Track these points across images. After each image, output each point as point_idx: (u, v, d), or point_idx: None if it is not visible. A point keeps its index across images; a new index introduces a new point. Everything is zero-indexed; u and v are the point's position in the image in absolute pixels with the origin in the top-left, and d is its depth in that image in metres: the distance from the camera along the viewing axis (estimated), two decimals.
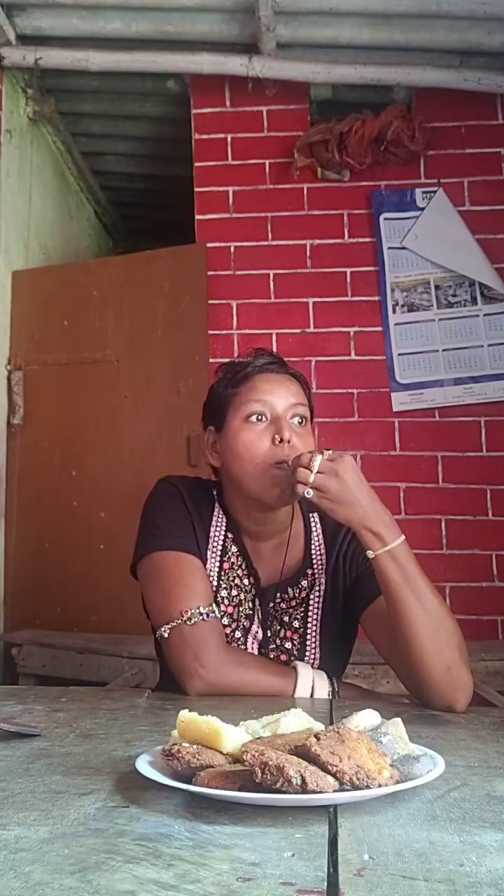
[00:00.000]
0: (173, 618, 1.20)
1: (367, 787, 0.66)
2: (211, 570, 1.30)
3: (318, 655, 1.30)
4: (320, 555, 1.35)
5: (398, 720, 0.80)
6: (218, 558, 1.31)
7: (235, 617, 1.29)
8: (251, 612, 1.30)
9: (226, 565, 1.31)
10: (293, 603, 1.31)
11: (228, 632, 1.28)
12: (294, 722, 0.79)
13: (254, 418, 1.25)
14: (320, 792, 0.64)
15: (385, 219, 3.18)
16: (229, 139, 3.27)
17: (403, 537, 1.13)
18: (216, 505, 1.35)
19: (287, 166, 3.20)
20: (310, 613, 1.31)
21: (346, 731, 0.70)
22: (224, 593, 1.30)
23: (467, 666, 1.13)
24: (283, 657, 1.29)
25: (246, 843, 0.60)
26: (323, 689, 1.22)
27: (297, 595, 1.32)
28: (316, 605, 1.32)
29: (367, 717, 0.80)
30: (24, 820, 0.65)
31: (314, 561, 1.34)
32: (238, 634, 1.29)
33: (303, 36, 3.06)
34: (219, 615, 1.26)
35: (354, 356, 3.14)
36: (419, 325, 3.12)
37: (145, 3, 2.95)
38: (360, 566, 1.29)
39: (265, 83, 3.21)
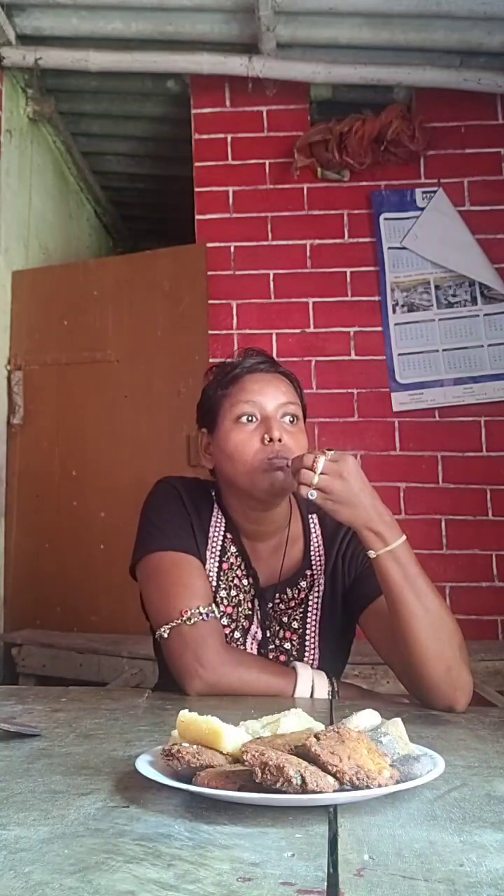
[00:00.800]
0: (173, 618, 1.20)
1: (367, 787, 0.66)
2: (210, 571, 1.30)
3: (317, 656, 1.30)
4: (319, 556, 1.35)
5: (398, 720, 0.80)
6: (217, 559, 1.31)
7: (235, 617, 1.29)
8: (250, 612, 1.30)
9: (225, 566, 1.31)
10: (292, 603, 1.31)
11: (227, 632, 1.27)
12: (294, 722, 0.79)
13: (244, 419, 1.25)
14: (320, 792, 0.64)
15: (385, 219, 3.18)
16: (229, 139, 3.27)
17: (405, 537, 1.13)
18: (215, 505, 1.35)
19: (287, 166, 3.20)
20: (309, 614, 1.31)
21: (346, 731, 0.70)
22: (223, 594, 1.30)
23: (467, 666, 1.13)
24: (283, 657, 1.29)
25: (246, 843, 0.60)
26: (323, 689, 1.22)
27: (296, 596, 1.32)
28: (315, 605, 1.32)
29: (367, 717, 0.80)
30: (24, 820, 0.65)
31: (313, 562, 1.34)
32: (237, 635, 1.29)
33: (303, 36, 3.06)
34: (218, 615, 1.26)
35: (354, 356, 3.14)
36: (419, 325, 3.12)
37: (145, 3, 2.95)
38: (360, 567, 1.30)
39: (265, 83, 3.21)
